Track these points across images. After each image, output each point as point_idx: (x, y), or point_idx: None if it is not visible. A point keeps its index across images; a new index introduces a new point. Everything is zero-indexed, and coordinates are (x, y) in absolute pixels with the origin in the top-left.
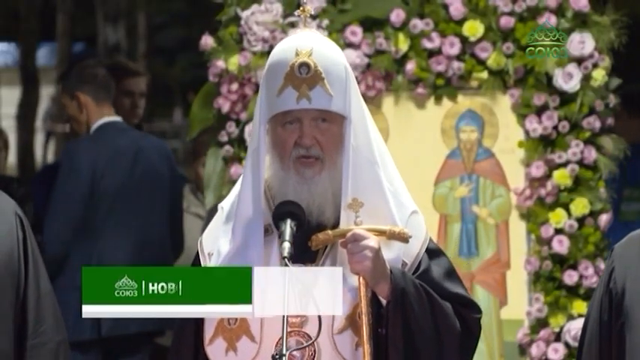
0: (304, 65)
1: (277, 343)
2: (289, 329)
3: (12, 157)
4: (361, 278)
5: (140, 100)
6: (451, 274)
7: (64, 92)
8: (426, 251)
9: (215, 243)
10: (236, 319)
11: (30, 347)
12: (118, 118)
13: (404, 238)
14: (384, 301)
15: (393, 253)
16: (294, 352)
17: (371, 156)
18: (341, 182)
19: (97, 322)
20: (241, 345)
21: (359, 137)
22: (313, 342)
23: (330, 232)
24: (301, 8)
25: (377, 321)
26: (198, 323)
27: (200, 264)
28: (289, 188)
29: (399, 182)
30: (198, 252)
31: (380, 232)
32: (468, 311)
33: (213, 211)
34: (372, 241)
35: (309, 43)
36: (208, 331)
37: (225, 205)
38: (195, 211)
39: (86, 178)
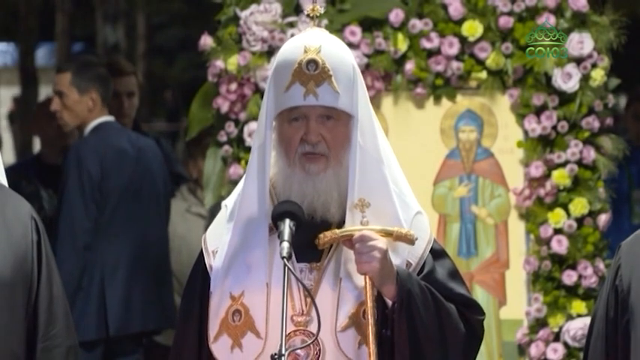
0: (312, 62)
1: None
2: (294, 328)
3: (11, 157)
4: (368, 278)
5: (129, 99)
6: (454, 275)
7: (74, 85)
8: (430, 252)
9: (219, 240)
10: (240, 316)
11: (40, 350)
12: (111, 118)
13: (410, 240)
14: (389, 302)
15: (398, 254)
16: (299, 351)
17: (377, 155)
18: (347, 181)
19: (104, 321)
20: (246, 341)
21: (366, 136)
22: (314, 340)
23: (337, 231)
24: (311, 7)
25: (381, 322)
26: (201, 321)
27: (204, 262)
28: (294, 184)
29: (403, 183)
30: (202, 250)
31: (387, 233)
32: (472, 313)
33: (215, 208)
34: (381, 242)
35: (317, 40)
36: (212, 329)
37: (228, 203)
38: (196, 211)
39: (96, 177)
